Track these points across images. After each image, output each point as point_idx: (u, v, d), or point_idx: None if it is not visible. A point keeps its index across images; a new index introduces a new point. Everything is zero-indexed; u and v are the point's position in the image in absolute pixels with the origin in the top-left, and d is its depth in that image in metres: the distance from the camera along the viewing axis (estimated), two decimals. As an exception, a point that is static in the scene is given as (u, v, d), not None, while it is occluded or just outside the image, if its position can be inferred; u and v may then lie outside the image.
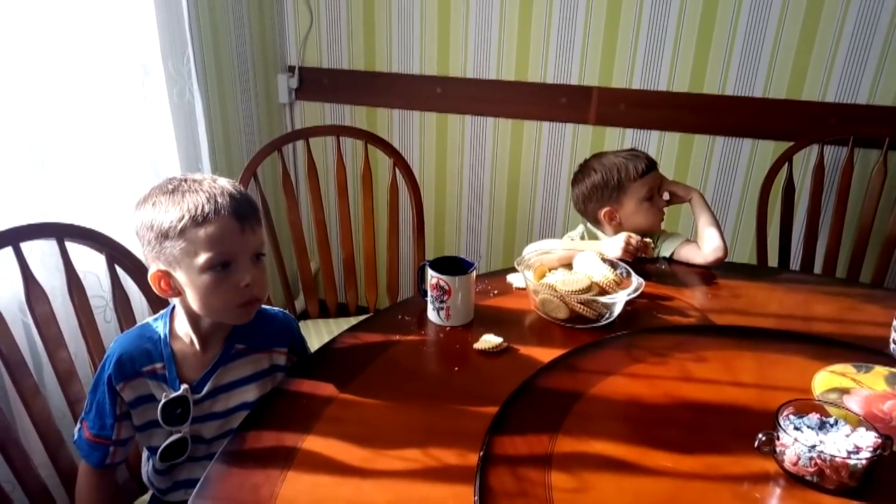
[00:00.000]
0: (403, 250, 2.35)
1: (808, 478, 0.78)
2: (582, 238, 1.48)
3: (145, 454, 1.07)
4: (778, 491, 0.78)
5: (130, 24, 1.48)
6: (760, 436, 0.81)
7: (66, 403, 1.12)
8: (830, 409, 0.84)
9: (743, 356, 1.07)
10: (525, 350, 1.07)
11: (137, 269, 1.19)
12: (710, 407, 0.94)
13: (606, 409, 0.94)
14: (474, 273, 1.14)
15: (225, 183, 0.93)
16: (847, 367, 0.99)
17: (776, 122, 1.88)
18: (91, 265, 1.36)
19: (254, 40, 2.05)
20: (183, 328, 0.98)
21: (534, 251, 1.31)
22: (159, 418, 0.95)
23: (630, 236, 1.33)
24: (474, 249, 2.33)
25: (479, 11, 2.00)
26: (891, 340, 1.07)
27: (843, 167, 1.77)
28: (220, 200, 0.89)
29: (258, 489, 0.77)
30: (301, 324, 1.58)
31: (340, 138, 1.72)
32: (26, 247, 1.09)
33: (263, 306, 1.01)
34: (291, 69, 2.22)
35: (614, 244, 1.33)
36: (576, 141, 2.07)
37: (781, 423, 0.80)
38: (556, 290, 1.13)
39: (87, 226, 1.17)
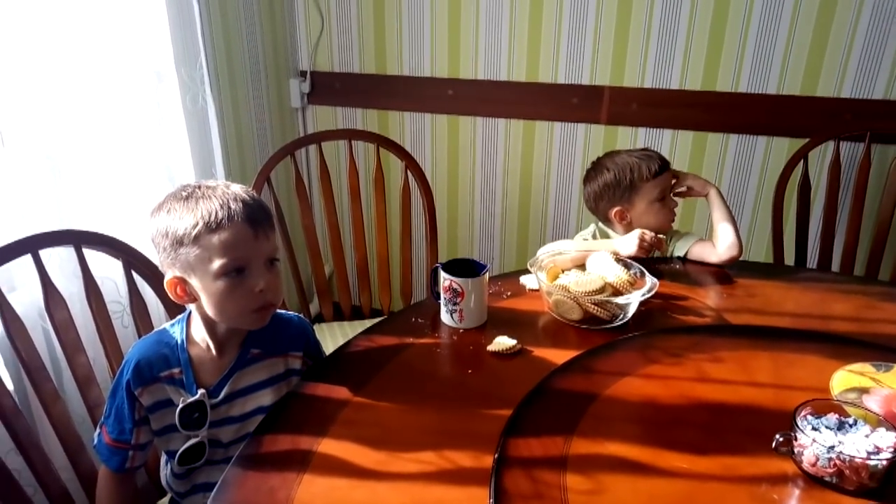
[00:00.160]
0: (416, 253, 2.35)
1: (827, 479, 0.77)
2: (594, 236, 1.48)
3: (164, 458, 1.09)
4: (796, 492, 0.77)
5: (144, 31, 1.49)
6: (778, 436, 0.80)
7: (86, 408, 1.13)
8: (849, 409, 0.83)
9: (759, 356, 1.06)
10: (539, 352, 1.07)
11: (154, 275, 1.20)
12: (726, 407, 0.93)
13: (621, 411, 0.93)
14: (487, 275, 1.14)
15: (238, 189, 0.94)
16: (866, 367, 0.97)
17: (791, 119, 1.86)
18: (108, 271, 1.38)
19: (266, 46, 2.07)
20: (199, 333, 0.99)
21: (547, 252, 1.31)
22: (177, 423, 0.97)
23: (644, 232, 1.32)
24: (487, 251, 2.33)
25: (489, 12, 2.00)
26: (910, 339, 1.06)
27: (859, 163, 1.74)
28: (233, 207, 0.90)
29: (275, 492, 0.78)
30: (316, 327, 1.59)
31: (353, 142, 1.72)
32: (45, 254, 1.11)
33: (278, 311, 1.02)
34: (303, 74, 2.23)
35: (629, 241, 1.33)
36: (588, 141, 2.07)
37: (799, 423, 0.79)
38: (569, 292, 1.13)
39: (104, 232, 1.18)
